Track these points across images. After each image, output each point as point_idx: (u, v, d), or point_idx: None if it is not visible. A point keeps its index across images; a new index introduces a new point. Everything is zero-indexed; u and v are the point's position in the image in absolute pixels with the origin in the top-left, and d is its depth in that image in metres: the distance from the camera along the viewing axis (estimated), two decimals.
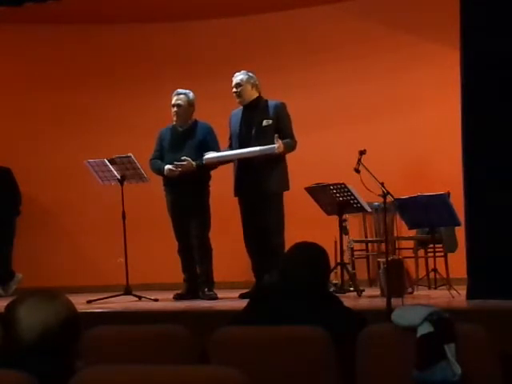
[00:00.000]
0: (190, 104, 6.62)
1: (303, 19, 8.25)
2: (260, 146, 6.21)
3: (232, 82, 6.43)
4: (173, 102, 6.59)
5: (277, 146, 6.14)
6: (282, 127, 6.31)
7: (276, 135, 6.17)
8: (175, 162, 6.43)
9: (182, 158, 6.43)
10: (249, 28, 8.38)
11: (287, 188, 6.36)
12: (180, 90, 6.62)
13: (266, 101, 6.42)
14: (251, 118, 6.37)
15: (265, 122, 6.31)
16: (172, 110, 6.59)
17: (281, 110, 6.37)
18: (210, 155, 6.41)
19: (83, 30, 8.51)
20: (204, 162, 6.39)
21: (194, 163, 6.40)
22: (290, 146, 6.31)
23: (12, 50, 8.63)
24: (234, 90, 6.40)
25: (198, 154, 6.44)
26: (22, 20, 8.14)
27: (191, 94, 6.63)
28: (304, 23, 8.27)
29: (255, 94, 6.41)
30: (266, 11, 8.26)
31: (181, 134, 6.62)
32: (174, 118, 6.61)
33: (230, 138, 6.53)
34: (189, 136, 6.60)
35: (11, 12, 7.39)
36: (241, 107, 6.47)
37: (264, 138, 6.25)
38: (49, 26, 8.44)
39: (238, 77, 6.42)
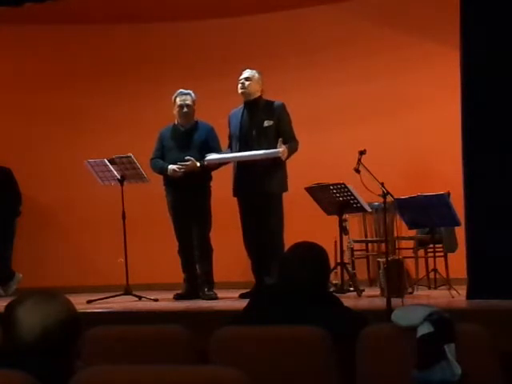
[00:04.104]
0: (195, 104, 6.64)
1: (303, 19, 8.25)
2: (260, 146, 6.23)
3: (240, 76, 6.41)
4: (179, 102, 6.58)
5: (281, 150, 6.14)
6: (284, 128, 6.32)
7: (280, 139, 6.17)
8: (179, 163, 6.43)
9: (186, 157, 6.43)
10: (249, 28, 8.37)
11: (286, 189, 6.37)
12: (184, 91, 6.63)
13: (267, 101, 6.43)
14: (252, 118, 6.37)
15: (266, 123, 6.32)
16: (178, 110, 6.58)
17: (282, 110, 6.38)
18: (212, 156, 6.41)
19: (83, 30, 8.50)
20: (206, 163, 6.40)
21: (197, 163, 6.41)
22: (293, 149, 6.32)
23: (12, 50, 8.63)
24: (242, 81, 6.37)
25: (201, 153, 6.45)
26: (22, 20, 8.14)
27: (194, 94, 6.65)
28: (304, 23, 8.26)
29: (258, 94, 6.42)
30: (265, 11, 8.25)
31: (184, 134, 6.62)
32: (181, 118, 6.60)
33: (230, 138, 6.53)
34: (192, 136, 6.61)
35: (11, 12, 7.39)
36: (240, 107, 6.47)
37: (265, 138, 6.26)
38: (49, 26, 8.43)
39: (249, 72, 6.43)
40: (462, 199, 5.55)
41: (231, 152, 6.44)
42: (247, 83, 6.37)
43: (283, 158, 6.21)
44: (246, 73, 6.43)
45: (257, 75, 6.42)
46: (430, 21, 7.70)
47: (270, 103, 6.41)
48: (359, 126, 7.95)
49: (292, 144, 6.31)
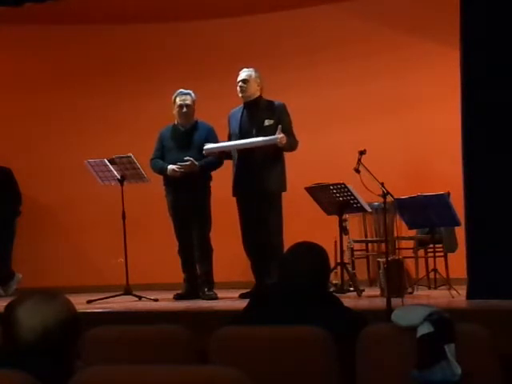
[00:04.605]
0: (194, 103, 6.64)
1: (303, 19, 8.25)
2: (261, 146, 6.22)
3: (238, 77, 6.40)
4: (179, 102, 6.57)
5: (280, 136, 6.13)
6: (284, 128, 6.31)
7: (279, 126, 6.16)
8: (178, 163, 6.43)
9: (186, 158, 6.43)
10: (249, 28, 8.37)
11: (285, 189, 6.37)
12: (184, 91, 6.62)
13: (267, 101, 6.42)
14: (252, 118, 6.37)
15: (266, 122, 6.31)
16: (178, 111, 6.58)
17: (282, 110, 6.37)
18: (211, 145, 6.40)
19: (83, 30, 8.51)
20: (204, 152, 6.38)
21: (197, 163, 6.41)
22: (293, 145, 6.31)
23: (12, 50, 8.63)
24: (240, 84, 6.36)
25: (201, 154, 6.45)
26: (22, 20, 8.14)
27: (194, 94, 6.65)
28: (304, 23, 8.26)
29: (257, 93, 6.42)
30: (266, 11, 8.26)
31: (184, 134, 6.62)
32: (181, 118, 6.60)
33: (230, 138, 6.53)
34: (192, 136, 6.61)
35: (11, 12, 7.39)
36: (240, 106, 6.47)
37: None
38: (49, 26, 8.44)
39: (246, 72, 6.40)
40: (462, 199, 5.55)
41: (231, 152, 6.43)
42: (246, 86, 6.36)
43: (281, 145, 6.17)
44: (243, 74, 6.40)
45: (254, 74, 6.40)
46: (430, 21, 7.70)
47: (271, 103, 6.40)
48: (359, 126, 7.96)
49: (292, 140, 6.31)
